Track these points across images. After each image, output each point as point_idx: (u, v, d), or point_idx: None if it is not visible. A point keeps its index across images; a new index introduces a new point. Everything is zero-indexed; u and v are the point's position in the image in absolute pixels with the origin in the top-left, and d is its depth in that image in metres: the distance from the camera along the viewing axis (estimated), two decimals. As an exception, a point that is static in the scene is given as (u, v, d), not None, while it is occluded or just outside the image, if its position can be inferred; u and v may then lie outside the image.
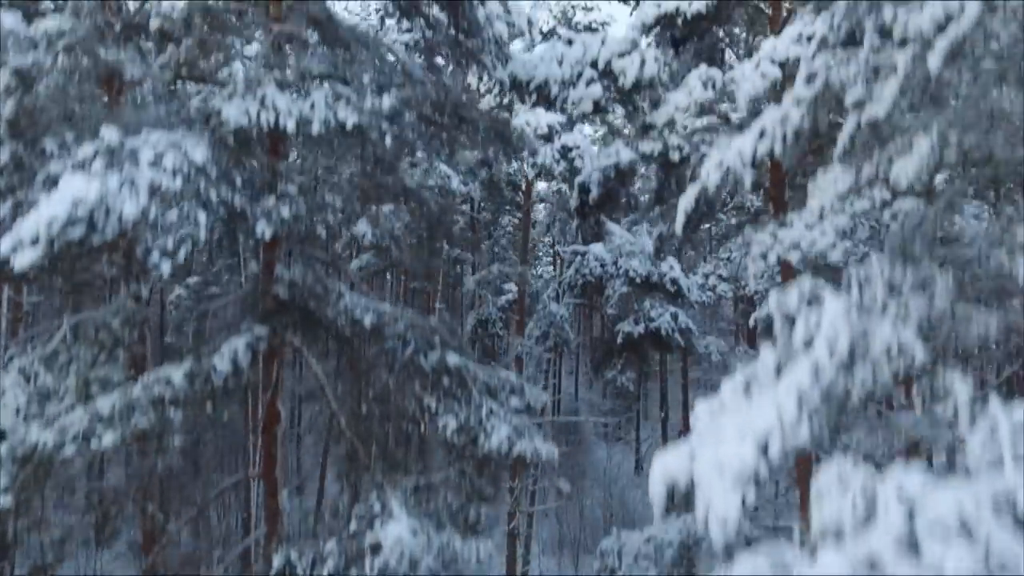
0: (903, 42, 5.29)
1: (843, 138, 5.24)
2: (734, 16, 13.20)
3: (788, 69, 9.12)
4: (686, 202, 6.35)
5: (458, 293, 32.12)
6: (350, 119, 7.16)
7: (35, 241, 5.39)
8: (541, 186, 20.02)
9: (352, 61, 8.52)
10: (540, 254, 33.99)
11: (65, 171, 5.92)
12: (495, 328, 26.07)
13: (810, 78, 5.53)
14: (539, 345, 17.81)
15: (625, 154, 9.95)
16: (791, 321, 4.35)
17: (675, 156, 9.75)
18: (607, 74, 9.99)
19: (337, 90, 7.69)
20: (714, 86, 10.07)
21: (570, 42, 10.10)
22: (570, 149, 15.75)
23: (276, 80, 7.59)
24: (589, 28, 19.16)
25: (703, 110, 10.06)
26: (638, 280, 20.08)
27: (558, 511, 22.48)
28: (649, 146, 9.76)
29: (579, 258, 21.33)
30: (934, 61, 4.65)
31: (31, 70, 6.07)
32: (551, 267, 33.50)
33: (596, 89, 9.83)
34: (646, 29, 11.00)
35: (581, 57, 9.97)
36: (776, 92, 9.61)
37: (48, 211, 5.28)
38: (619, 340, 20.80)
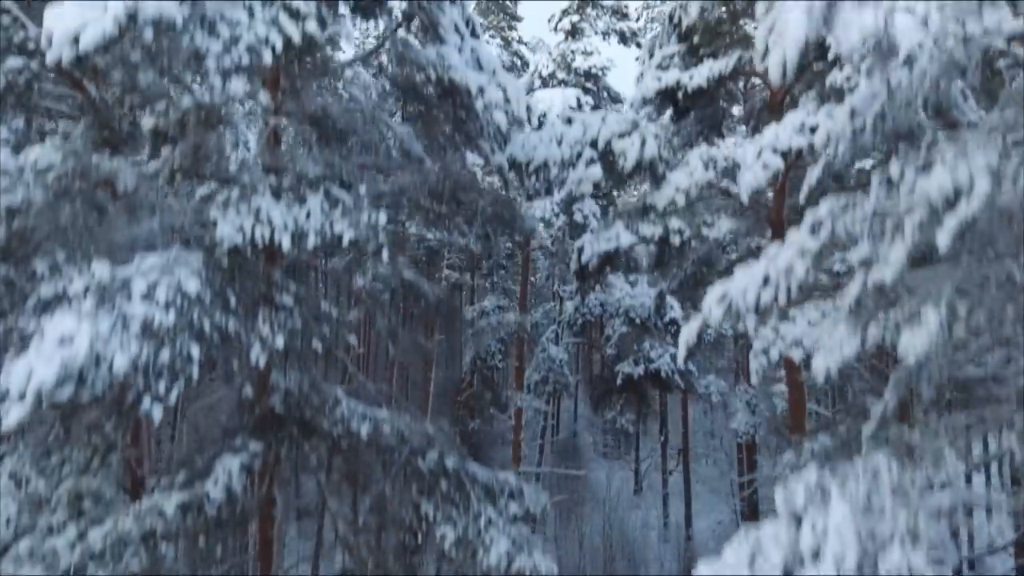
0: (910, 193, 5.18)
1: (849, 298, 5.12)
2: (737, 81, 13.11)
3: (790, 159, 9.02)
4: (688, 335, 6.23)
5: (457, 321, 31.91)
6: (347, 234, 7.04)
7: (23, 396, 5.28)
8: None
9: (348, 156, 8.41)
10: (539, 273, 33.72)
11: (56, 310, 5.81)
12: (494, 360, 25.95)
13: (815, 227, 5.41)
14: (539, 398, 17.69)
15: (625, 238, 9.85)
16: (798, 520, 4.24)
17: (676, 240, 9.64)
18: (607, 154, 9.87)
19: (333, 195, 7.57)
20: (715, 166, 9.96)
21: (569, 121, 9.99)
22: (570, 203, 15.68)
23: (271, 187, 7.48)
24: (588, 73, 19.09)
25: (704, 190, 9.95)
26: (638, 321, 20.01)
27: (557, 539, 22.36)
28: (649, 229, 9.66)
29: (579, 296, 21.24)
30: (943, 239, 4.53)
31: (21, 206, 5.95)
32: (550, 292, 33.21)
33: (596, 170, 9.72)
34: (646, 102, 10.90)
35: (581, 137, 9.87)
36: (775, 180, 9.51)
37: (38, 372, 5.16)
38: (619, 380, 20.68)
